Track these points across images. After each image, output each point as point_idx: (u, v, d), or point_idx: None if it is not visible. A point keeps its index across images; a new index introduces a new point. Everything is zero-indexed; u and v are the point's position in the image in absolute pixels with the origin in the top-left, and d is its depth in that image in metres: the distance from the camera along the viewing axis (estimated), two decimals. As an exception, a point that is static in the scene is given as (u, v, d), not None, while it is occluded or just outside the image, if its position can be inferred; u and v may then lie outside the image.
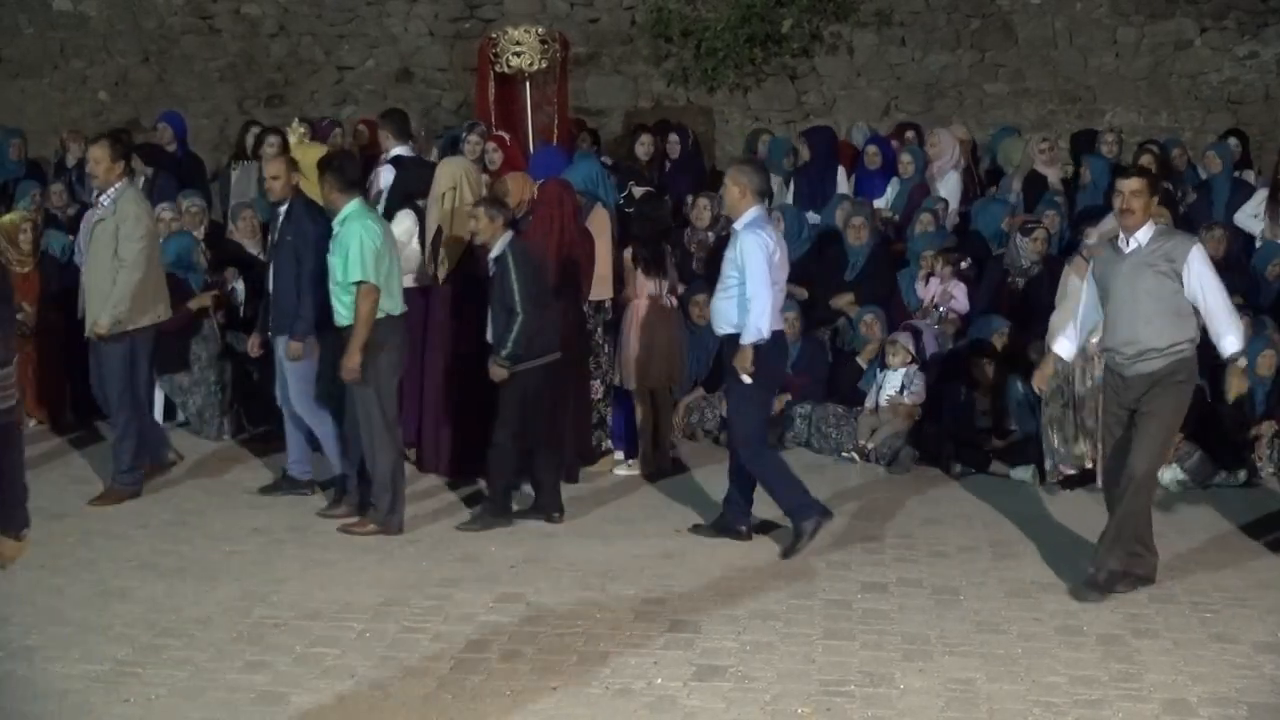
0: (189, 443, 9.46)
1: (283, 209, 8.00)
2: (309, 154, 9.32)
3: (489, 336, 7.77)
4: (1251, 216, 10.36)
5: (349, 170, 7.79)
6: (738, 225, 7.35)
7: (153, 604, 6.60)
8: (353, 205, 7.66)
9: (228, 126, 14.57)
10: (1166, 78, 13.87)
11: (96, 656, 5.97)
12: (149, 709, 5.51)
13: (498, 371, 7.67)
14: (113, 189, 7.98)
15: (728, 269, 7.32)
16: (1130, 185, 6.72)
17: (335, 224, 7.63)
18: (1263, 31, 13.70)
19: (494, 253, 7.76)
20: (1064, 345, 7.17)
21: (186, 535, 7.66)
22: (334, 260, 7.57)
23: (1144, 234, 6.72)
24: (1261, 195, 10.44)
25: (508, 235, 7.76)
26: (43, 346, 9.62)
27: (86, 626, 6.29)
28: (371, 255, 7.48)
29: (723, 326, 7.38)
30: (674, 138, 12.04)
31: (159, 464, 8.48)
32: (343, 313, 7.59)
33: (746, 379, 7.21)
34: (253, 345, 8.45)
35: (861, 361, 9.74)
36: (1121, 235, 6.81)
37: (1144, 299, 6.67)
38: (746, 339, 7.18)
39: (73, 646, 6.07)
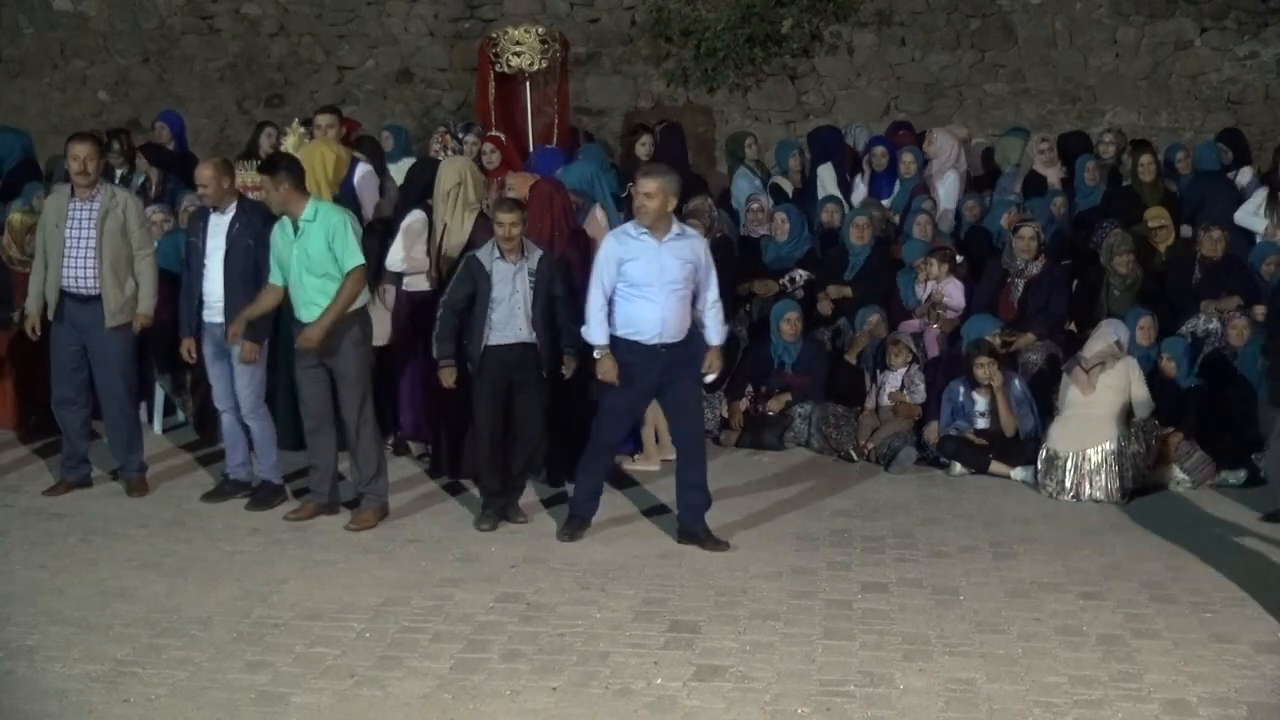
0: (188, 443, 9.48)
1: (229, 213, 7.90)
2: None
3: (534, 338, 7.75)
4: (1252, 215, 10.36)
5: (299, 169, 7.80)
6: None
7: (153, 604, 6.60)
8: (315, 201, 7.73)
9: (228, 126, 14.59)
10: (1166, 78, 13.87)
11: (97, 656, 5.97)
12: (149, 709, 5.51)
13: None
14: (101, 184, 8.07)
15: (689, 273, 7.46)
16: None
17: (302, 220, 7.59)
18: (1263, 31, 13.71)
19: (538, 253, 7.80)
20: None
21: (187, 535, 7.66)
22: (312, 253, 7.56)
23: None
24: (1262, 195, 10.44)
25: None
26: (38, 345, 9.60)
27: (87, 626, 6.30)
28: (359, 241, 7.68)
29: None
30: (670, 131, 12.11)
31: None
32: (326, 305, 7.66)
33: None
34: (188, 350, 8.16)
35: (850, 358, 9.72)
36: None
37: None
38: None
39: (73, 646, 6.07)
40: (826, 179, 11.60)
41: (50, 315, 8.19)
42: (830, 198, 11.25)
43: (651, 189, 7.27)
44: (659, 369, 7.38)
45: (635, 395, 7.50)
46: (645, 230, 7.32)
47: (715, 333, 7.58)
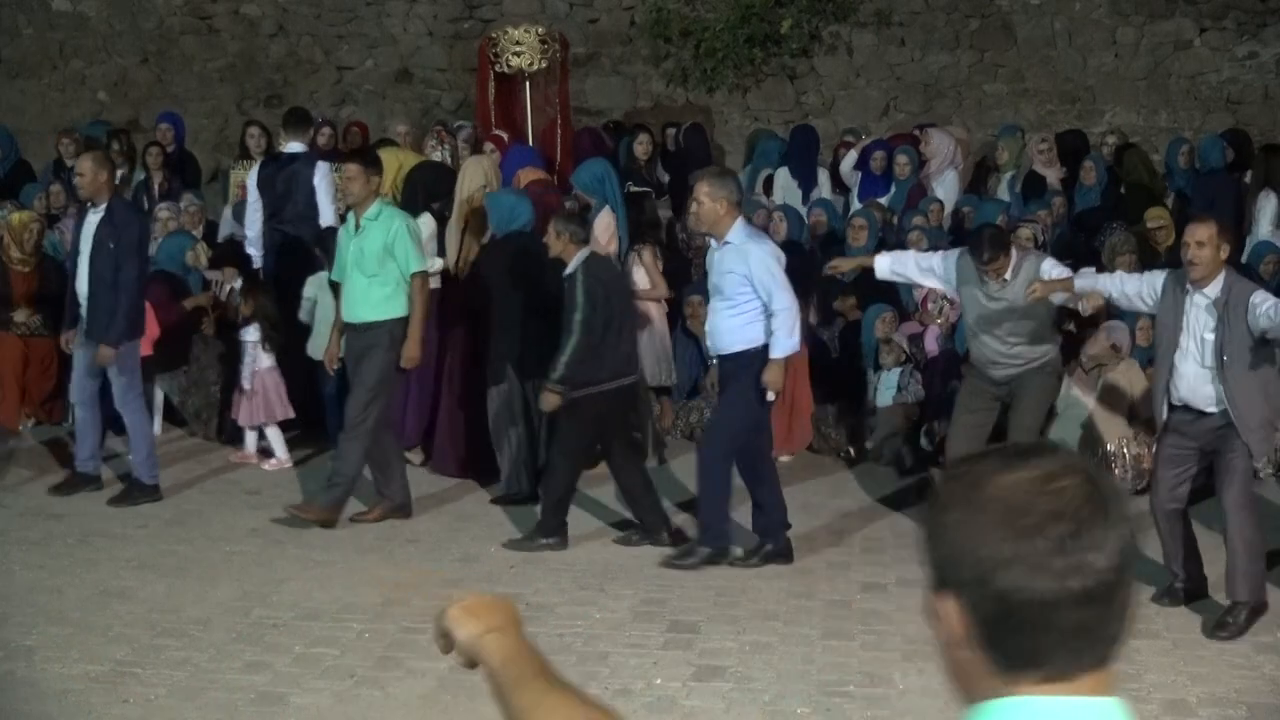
0: (188, 443, 9.48)
1: (99, 209, 7.87)
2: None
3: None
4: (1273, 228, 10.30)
5: (379, 167, 7.87)
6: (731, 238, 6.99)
7: (152, 604, 6.60)
8: (382, 202, 7.76)
9: (227, 127, 14.58)
10: (1166, 78, 13.87)
11: (96, 657, 5.97)
12: (148, 709, 5.51)
13: (550, 399, 7.29)
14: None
15: (734, 284, 6.97)
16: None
17: (365, 218, 7.61)
18: (1262, 32, 13.71)
19: (568, 269, 7.34)
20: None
21: (186, 535, 7.66)
22: (367, 252, 7.57)
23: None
24: (1272, 205, 10.39)
25: (584, 253, 7.35)
26: (35, 346, 9.62)
27: (86, 627, 6.30)
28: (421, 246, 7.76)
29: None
30: (671, 131, 12.13)
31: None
32: (381, 306, 7.62)
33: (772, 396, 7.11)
34: (65, 341, 8.22)
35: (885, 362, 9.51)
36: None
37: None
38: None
39: (72, 647, 6.07)
40: (823, 184, 11.61)
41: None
42: (822, 200, 11.28)
43: (697, 192, 6.98)
44: (721, 378, 7.22)
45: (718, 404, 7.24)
46: (714, 236, 7.05)
47: (772, 344, 6.98)
